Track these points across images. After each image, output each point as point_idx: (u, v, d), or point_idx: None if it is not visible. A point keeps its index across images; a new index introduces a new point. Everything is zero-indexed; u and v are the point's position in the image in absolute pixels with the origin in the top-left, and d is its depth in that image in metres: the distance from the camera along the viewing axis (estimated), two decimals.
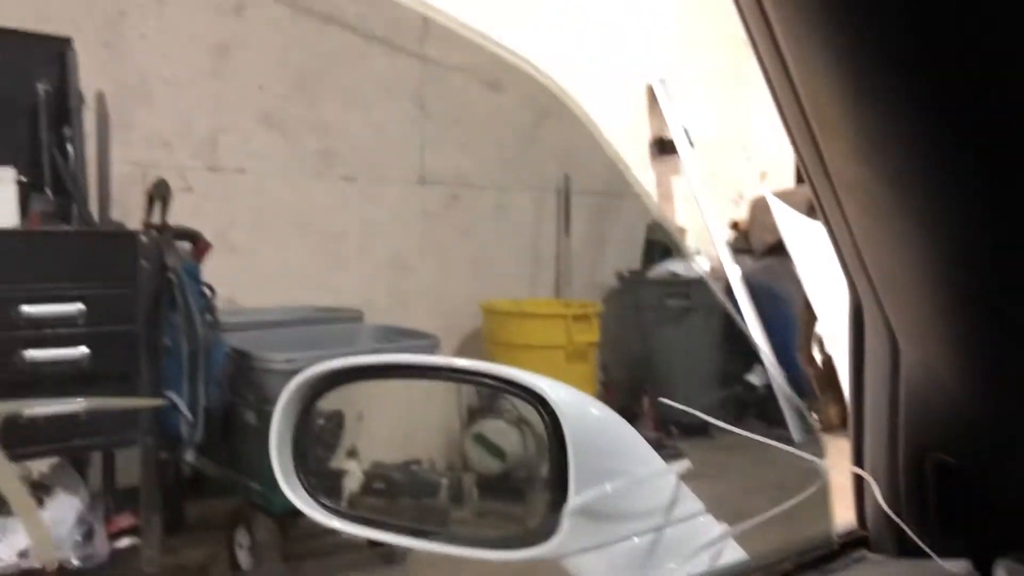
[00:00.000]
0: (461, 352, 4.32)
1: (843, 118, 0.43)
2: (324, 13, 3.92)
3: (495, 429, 3.09)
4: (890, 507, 0.65)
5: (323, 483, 0.82)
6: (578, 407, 0.71)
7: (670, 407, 4.47)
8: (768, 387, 4.66)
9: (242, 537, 2.72)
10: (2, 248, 2.26)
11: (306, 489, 0.78)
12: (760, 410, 4.90)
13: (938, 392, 0.59)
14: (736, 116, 5.91)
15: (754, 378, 4.81)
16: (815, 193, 0.51)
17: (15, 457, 2.38)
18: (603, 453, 0.71)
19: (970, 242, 0.46)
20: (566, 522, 0.67)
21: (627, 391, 4.64)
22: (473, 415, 3.24)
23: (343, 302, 3.90)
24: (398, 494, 1.05)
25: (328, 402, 0.82)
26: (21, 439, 2.25)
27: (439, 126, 4.37)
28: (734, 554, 0.75)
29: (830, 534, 0.76)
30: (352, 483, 0.94)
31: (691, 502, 0.76)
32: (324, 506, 0.78)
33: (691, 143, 5.23)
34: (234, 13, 3.67)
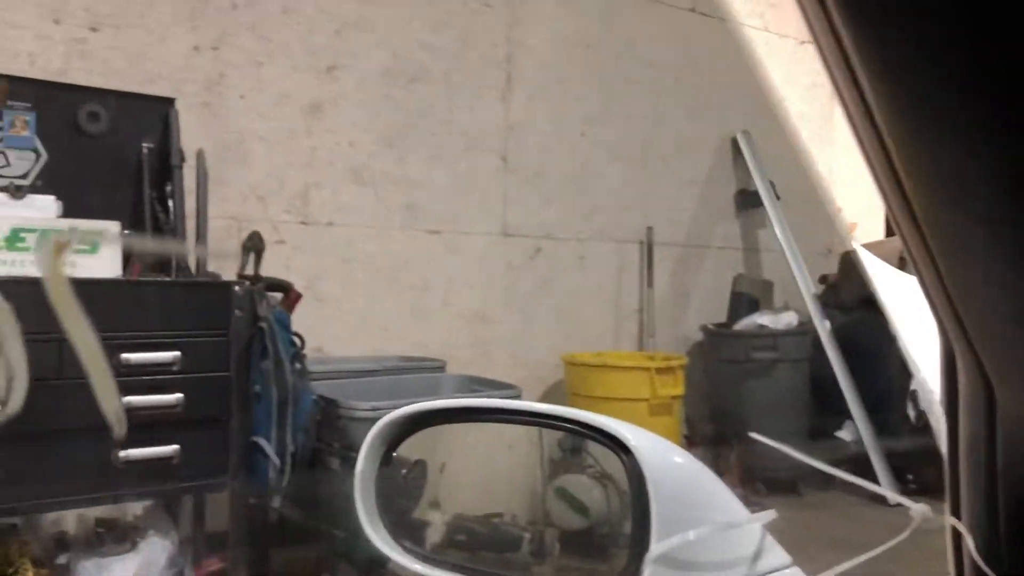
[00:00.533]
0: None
1: (929, 158, 0.42)
2: (411, 72, 4.04)
3: (578, 484, 3.05)
4: (988, 562, 0.62)
5: (407, 532, 0.83)
6: (661, 454, 0.70)
7: (759, 458, 4.37)
8: (859, 444, 4.50)
9: None
10: (106, 297, 2.37)
11: (389, 532, 0.79)
12: (851, 468, 4.73)
13: None
14: (823, 168, 5.83)
15: (844, 434, 4.66)
16: (902, 237, 0.50)
17: (114, 499, 2.46)
18: (686, 501, 0.71)
19: None
20: (647, 570, 0.66)
21: (712, 446, 4.54)
22: (555, 469, 3.21)
23: (427, 353, 3.95)
24: (480, 546, 1.05)
25: (412, 452, 0.83)
26: (118, 481, 2.33)
27: (521, 179, 4.43)
28: None
29: None
30: (435, 534, 0.94)
31: (778, 554, 0.74)
32: (407, 549, 0.79)
33: (777, 195, 5.17)
34: (326, 73, 3.81)
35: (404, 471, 0.86)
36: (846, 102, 0.47)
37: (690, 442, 4.45)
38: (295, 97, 3.73)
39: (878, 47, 0.39)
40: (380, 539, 0.78)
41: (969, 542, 0.61)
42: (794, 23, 5.57)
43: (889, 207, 0.54)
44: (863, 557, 0.71)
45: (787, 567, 0.74)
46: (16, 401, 2.00)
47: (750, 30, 5.43)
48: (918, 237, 0.51)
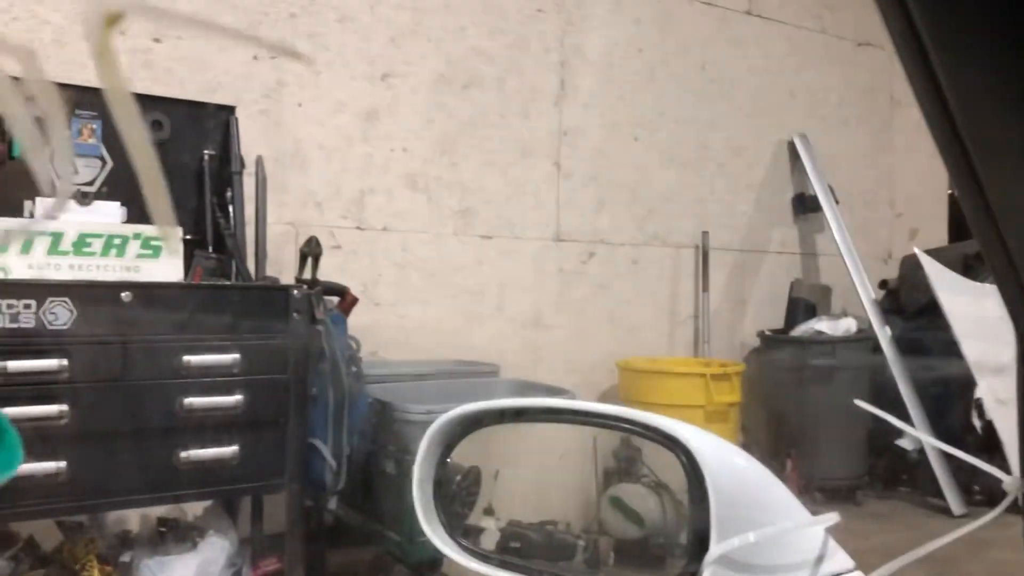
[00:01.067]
0: None
1: (1001, 135, 0.41)
2: (465, 78, 4.07)
3: (633, 493, 3.02)
4: None
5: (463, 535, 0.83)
6: (721, 454, 0.70)
7: (817, 466, 4.28)
8: (920, 453, 4.40)
9: None
10: (168, 301, 2.42)
11: (446, 530, 0.79)
12: (913, 478, 4.62)
13: None
14: (883, 171, 5.72)
15: (905, 443, 4.55)
16: (972, 223, 0.49)
17: (175, 499, 2.51)
18: (746, 503, 0.70)
19: None
20: (707, 572, 0.66)
21: (769, 453, 4.48)
22: (609, 479, 3.18)
23: (480, 357, 3.96)
24: (534, 553, 1.05)
25: (466, 459, 0.84)
26: (179, 481, 2.38)
27: (575, 184, 4.42)
28: None
29: None
30: (489, 540, 0.94)
31: (841, 559, 0.73)
32: (464, 548, 0.79)
33: (836, 199, 5.08)
34: (382, 81, 3.86)
35: (458, 478, 0.87)
36: (910, 73, 0.45)
37: (746, 450, 4.39)
38: (351, 104, 3.78)
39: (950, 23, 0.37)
40: (438, 537, 0.79)
41: None
42: (852, 25, 5.48)
43: (958, 187, 0.53)
44: (945, 539, 0.69)
45: (850, 572, 0.73)
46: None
47: (807, 32, 5.35)
48: (989, 222, 0.50)
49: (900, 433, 4.59)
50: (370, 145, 3.83)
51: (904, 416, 4.44)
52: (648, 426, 0.71)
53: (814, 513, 0.79)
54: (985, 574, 2.99)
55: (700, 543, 0.66)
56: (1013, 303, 0.52)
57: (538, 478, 0.93)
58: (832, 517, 0.71)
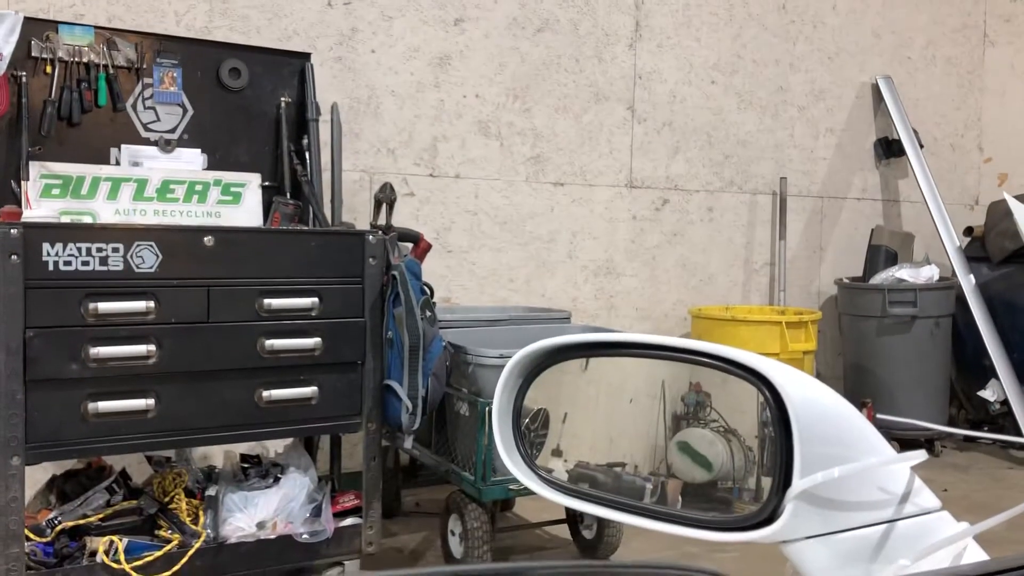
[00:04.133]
0: None
1: None
2: (538, 22, 4.02)
3: (701, 438, 3.02)
4: None
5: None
6: (805, 390, 0.69)
7: (895, 415, 4.21)
8: (1004, 403, 4.27)
9: (454, 525, 2.82)
10: (248, 245, 2.47)
11: (526, 461, 0.80)
12: (995, 429, 4.51)
13: None
14: (971, 114, 5.49)
15: (988, 394, 4.43)
16: None
17: (257, 436, 2.60)
18: (830, 439, 0.69)
19: None
20: (790, 506, 0.66)
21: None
22: (678, 423, 3.18)
23: (552, 304, 3.97)
24: (602, 493, 1.06)
25: (535, 401, 0.84)
26: (261, 420, 2.45)
27: (649, 129, 4.35)
28: (976, 555, 0.70)
29: None
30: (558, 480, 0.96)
31: (926, 497, 0.72)
32: (544, 479, 0.80)
33: (920, 143, 4.90)
34: (454, 26, 3.83)
35: (527, 420, 0.88)
36: None
37: None
38: (423, 50, 3.78)
39: None
40: (518, 469, 0.80)
41: None
42: None
43: None
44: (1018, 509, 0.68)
45: (936, 511, 0.72)
46: None
47: None
48: None
49: (983, 384, 4.47)
50: (442, 91, 3.83)
51: (988, 365, 4.32)
52: (731, 360, 0.70)
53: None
54: None
55: (784, 478, 0.66)
56: None
57: (607, 422, 0.93)
58: (919, 455, 0.69)
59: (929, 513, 0.71)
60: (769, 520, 0.66)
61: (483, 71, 3.91)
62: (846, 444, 0.70)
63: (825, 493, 0.66)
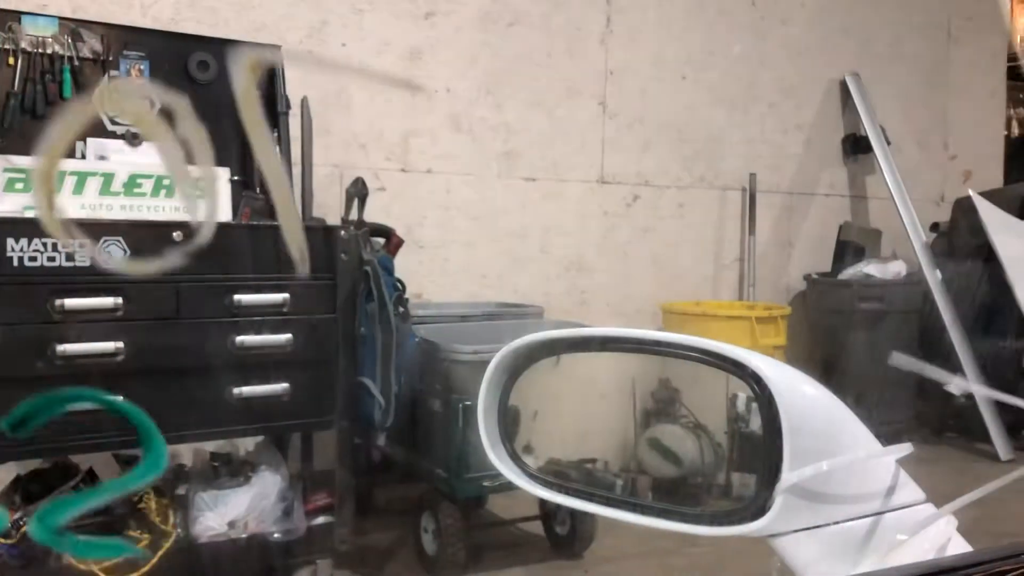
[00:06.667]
0: None
1: None
2: (509, 16, 4.00)
3: (671, 434, 3.03)
4: None
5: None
6: (793, 384, 0.69)
7: (864, 410, 4.26)
8: (969, 398, 4.34)
9: (428, 522, 2.81)
10: (217, 241, 2.43)
11: (511, 456, 0.80)
12: (960, 424, 4.57)
13: None
14: (937, 112, 5.56)
15: (954, 388, 4.49)
16: None
17: (228, 434, 2.57)
18: (818, 433, 0.69)
19: None
20: (779, 500, 0.65)
21: None
22: (648, 419, 3.19)
23: (524, 300, 3.97)
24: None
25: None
26: (232, 417, 2.42)
27: (620, 125, 4.36)
28: (959, 547, 0.71)
29: None
30: None
31: (911, 490, 0.72)
32: (528, 474, 0.79)
33: (888, 140, 4.96)
34: (425, 20, 3.81)
35: None
36: None
37: None
38: (394, 44, 3.75)
39: None
40: (503, 464, 0.79)
41: None
42: None
43: None
44: (991, 486, 0.68)
45: (921, 503, 0.72)
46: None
47: None
48: None
49: (948, 378, 4.53)
50: (414, 85, 3.80)
51: (953, 361, 4.38)
52: (717, 354, 0.70)
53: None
54: None
55: (772, 471, 0.66)
56: None
57: (577, 419, 0.93)
58: (905, 447, 0.70)
59: (915, 505, 0.71)
60: (758, 514, 0.66)
61: (455, 65, 3.89)
62: (833, 437, 0.69)
63: (813, 486, 0.66)
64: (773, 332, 4.04)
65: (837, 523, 0.68)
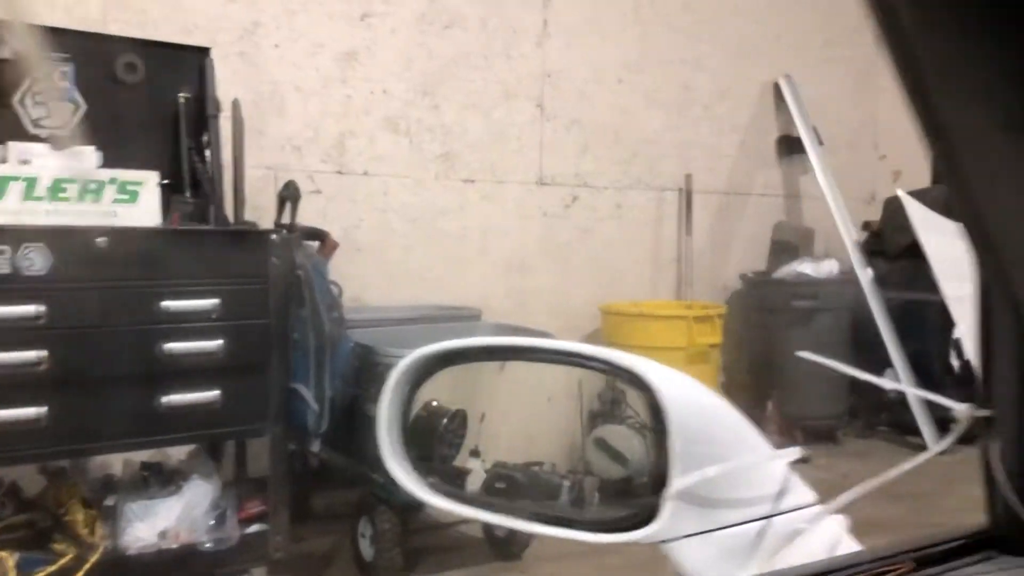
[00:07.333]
0: None
1: (961, 57, 0.40)
2: (446, 18, 4.00)
3: (616, 434, 3.06)
4: (1015, 447, 0.61)
5: (449, 480, 0.83)
6: (681, 390, 0.70)
7: (798, 406, 4.35)
8: (901, 392, 4.45)
9: (365, 527, 2.79)
10: (145, 246, 2.40)
11: (416, 470, 0.80)
12: (892, 417, 4.69)
13: None
14: (867, 113, 5.69)
15: (884, 383, 4.60)
16: (940, 160, 0.48)
17: (157, 443, 2.52)
18: (708, 438, 0.70)
19: None
20: (667, 506, 0.66)
21: (750, 394, 4.53)
22: (595, 420, 3.22)
23: (463, 301, 3.96)
24: (520, 494, 1.05)
25: (453, 402, 0.84)
26: (161, 426, 2.38)
27: (558, 127, 4.38)
28: (849, 547, 0.73)
29: (955, 530, 0.72)
30: (475, 481, 0.95)
31: (802, 493, 0.74)
32: (432, 487, 0.79)
33: (820, 141, 5.06)
34: (360, 21, 3.78)
35: (444, 421, 0.87)
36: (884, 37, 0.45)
37: (727, 391, 4.43)
38: (329, 45, 3.72)
39: None
40: (405, 476, 0.79)
41: (1002, 481, 0.60)
42: None
43: (918, 117, 0.52)
44: (877, 480, 0.70)
45: (811, 505, 0.74)
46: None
47: None
48: (951, 155, 0.49)
49: (880, 374, 4.64)
50: (349, 87, 3.78)
51: (884, 356, 4.49)
52: (608, 362, 0.71)
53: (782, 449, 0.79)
54: (958, 508, 3.05)
55: (661, 478, 0.67)
56: (977, 247, 0.51)
57: (525, 421, 0.93)
58: (793, 452, 0.71)
59: (805, 508, 0.73)
60: (648, 520, 0.67)
61: (391, 67, 3.87)
62: (724, 443, 0.71)
63: (703, 492, 0.68)
64: (709, 331, 4.10)
65: (727, 527, 0.69)
